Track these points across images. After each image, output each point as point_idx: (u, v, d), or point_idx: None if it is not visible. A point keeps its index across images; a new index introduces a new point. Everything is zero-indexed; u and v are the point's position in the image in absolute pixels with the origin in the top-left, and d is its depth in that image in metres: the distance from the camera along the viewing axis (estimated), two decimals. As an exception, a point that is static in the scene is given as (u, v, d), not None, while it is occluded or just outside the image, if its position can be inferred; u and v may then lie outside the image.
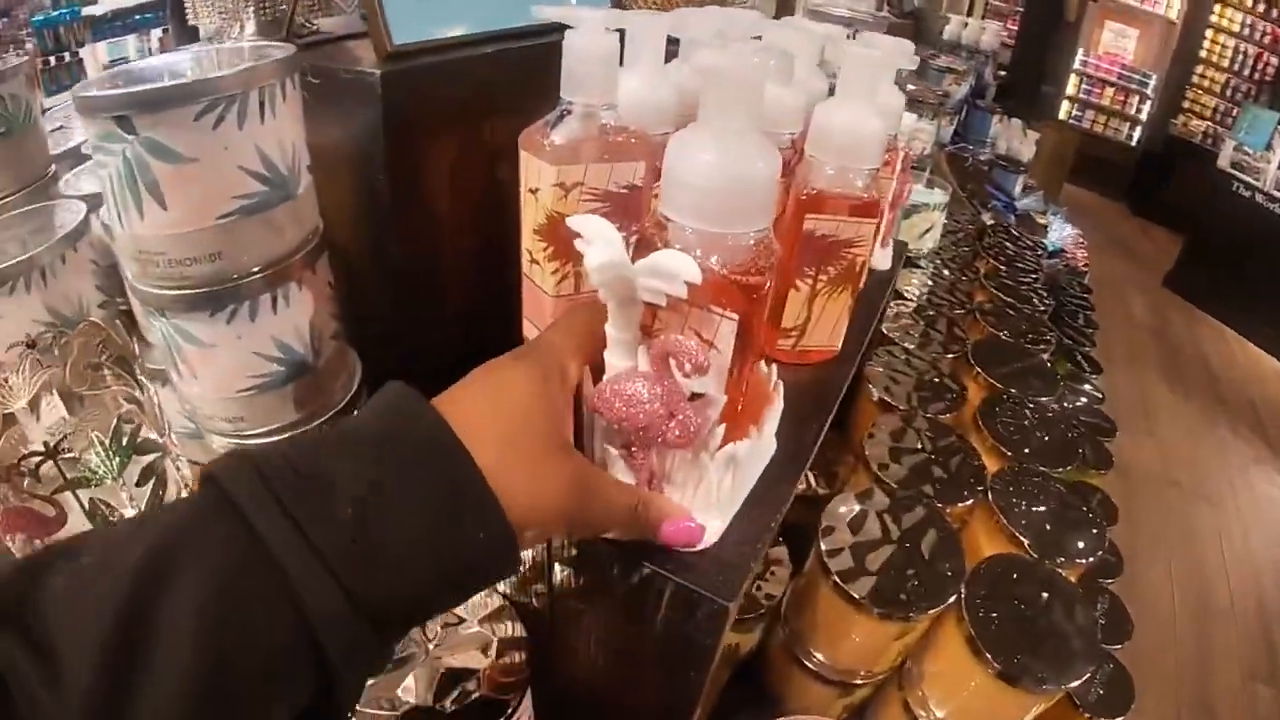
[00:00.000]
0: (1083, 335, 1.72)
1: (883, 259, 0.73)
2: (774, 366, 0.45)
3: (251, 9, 0.61)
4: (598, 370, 0.37)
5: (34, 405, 0.50)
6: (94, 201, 0.69)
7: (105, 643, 0.22)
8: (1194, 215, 4.26)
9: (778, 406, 0.43)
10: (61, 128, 0.98)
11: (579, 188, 0.42)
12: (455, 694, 0.42)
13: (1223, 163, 4.13)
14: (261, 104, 0.42)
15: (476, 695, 0.42)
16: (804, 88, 0.50)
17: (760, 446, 0.41)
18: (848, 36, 0.47)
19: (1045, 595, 0.61)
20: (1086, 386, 1.47)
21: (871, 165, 0.46)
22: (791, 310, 0.50)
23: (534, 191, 0.44)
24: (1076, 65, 5.50)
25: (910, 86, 1.37)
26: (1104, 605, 1.09)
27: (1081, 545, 0.69)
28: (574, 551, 0.40)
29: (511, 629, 0.47)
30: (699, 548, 0.39)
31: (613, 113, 0.43)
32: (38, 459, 0.43)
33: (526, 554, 0.45)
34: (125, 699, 0.22)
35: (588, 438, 0.38)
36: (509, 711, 0.42)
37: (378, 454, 0.27)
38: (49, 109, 1.01)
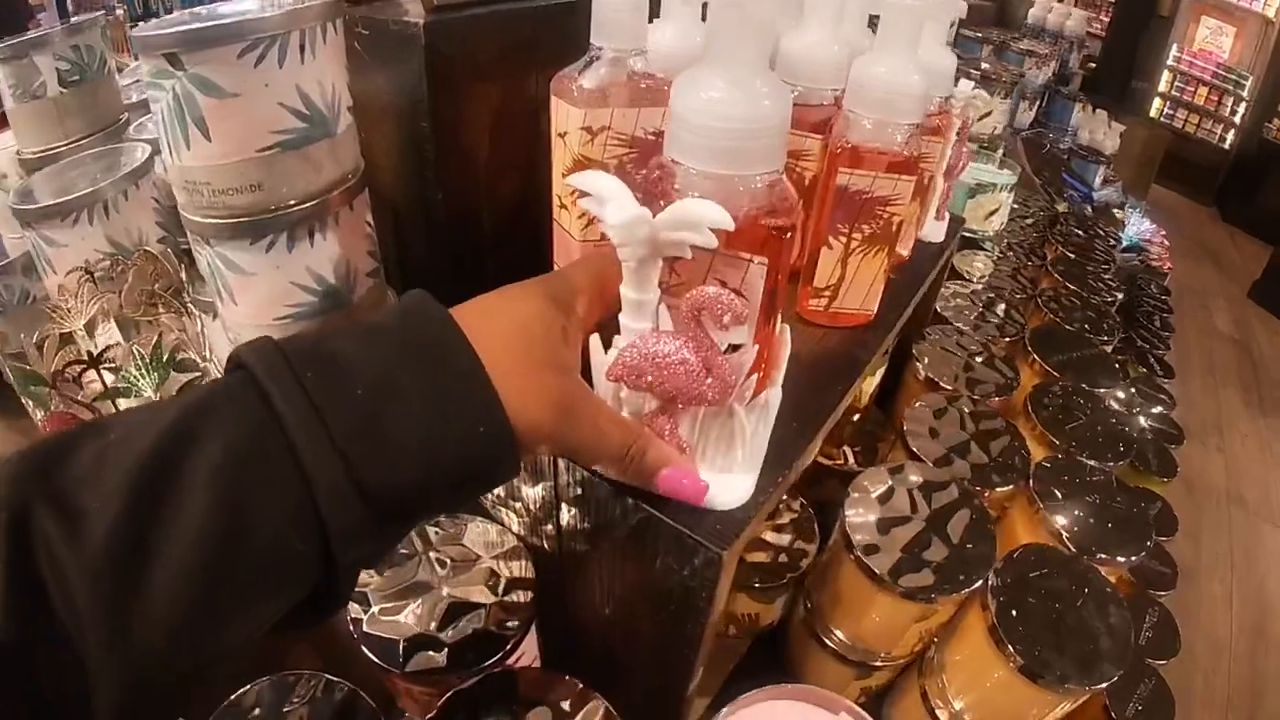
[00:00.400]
0: (1158, 338, 1.65)
1: (935, 231, 0.71)
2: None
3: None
4: (606, 337, 0.36)
5: (90, 328, 0.53)
6: (158, 144, 0.72)
7: (124, 501, 0.23)
8: (1287, 225, 4.01)
9: (785, 354, 0.41)
10: (139, 82, 1.03)
11: (605, 132, 0.42)
12: (458, 625, 0.42)
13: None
14: (302, 45, 0.43)
15: (479, 628, 0.42)
16: (849, 45, 0.49)
17: (777, 396, 0.40)
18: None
19: (1079, 592, 0.58)
20: (1157, 392, 1.41)
21: (910, 120, 0.44)
22: (824, 269, 0.49)
23: (562, 136, 0.44)
24: (1170, 61, 5.21)
25: (984, 65, 1.32)
26: (1153, 618, 1.05)
27: (1125, 545, 0.66)
28: (579, 491, 0.40)
29: (521, 568, 0.47)
30: (723, 507, 0.37)
31: (642, 59, 0.42)
32: (81, 366, 0.45)
33: (536, 492, 0.45)
34: (140, 555, 0.23)
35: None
36: (509, 647, 0.42)
37: (392, 346, 0.28)
38: (133, 66, 1.06)
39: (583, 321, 0.35)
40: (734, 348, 0.35)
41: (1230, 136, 5.09)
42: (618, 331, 0.35)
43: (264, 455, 0.25)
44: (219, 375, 0.58)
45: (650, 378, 0.33)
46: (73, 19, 0.91)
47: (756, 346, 0.36)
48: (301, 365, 0.26)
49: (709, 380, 0.34)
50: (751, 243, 0.32)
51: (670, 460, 0.36)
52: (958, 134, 0.66)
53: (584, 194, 0.32)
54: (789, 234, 0.33)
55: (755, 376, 0.37)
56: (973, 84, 0.71)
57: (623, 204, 0.30)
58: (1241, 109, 5.02)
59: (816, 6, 0.49)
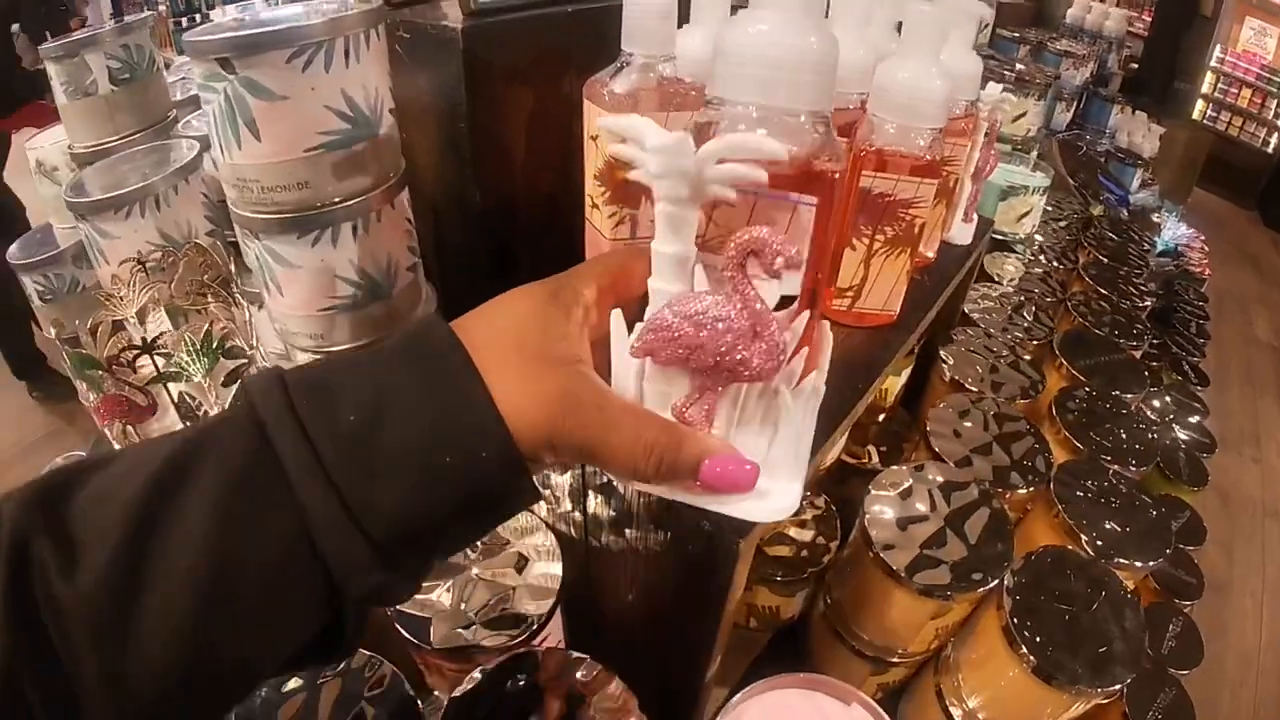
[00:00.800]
0: (1193, 345, 1.62)
1: (962, 233, 0.71)
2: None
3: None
4: (631, 320, 0.32)
5: (141, 316, 0.55)
6: (208, 141, 0.75)
7: (121, 534, 0.23)
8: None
9: (828, 347, 0.37)
10: (184, 79, 1.06)
11: (637, 135, 0.43)
12: (487, 605, 0.44)
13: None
14: (346, 51, 0.46)
15: (507, 609, 0.44)
16: (875, 49, 0.50)
17: (822, 384, 0.35)
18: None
19: (1095, 595, 0.59)
20: (1191, 400, 1.39)
21: (933, 125, 0.45)
22: (847, 269, 0.50)
23: (594, 138, 0.45)
24: (1213, 63, 5.10)
25: (1020, 66, 1.31)
26: (1176, 627, 1.04)
27: (1143, 551, 0.66)
28: (606, 478, 0.42)
29: (549, 553, 0.49)
30: (769, 518, 0.32)
31: (671, 65, 0.44)
32: (134, 352, 0.47)
33: (565, 480, 0.47)
34: (134, 588, 0.22)
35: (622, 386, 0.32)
36: (535, 628, 0.44)
37: (390, 367, 0.27)
38: (178, 63, 1.10)
39: (589, 312, 0.31)
40: (786, 301, 0.32)
41: (1274, 140, 4.97)
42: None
43: (258, 487, 0.24)
44: (265, 363, 0.61)
45: (684, 344, 0.29)
46: (124, 17, 0.95)
47: (806, 316, 0.33)
48: (298, 393, 0.26)
49: (756, 344, 0.29)
50: (799, 183, 0.30)
51: (710, 449, 0.30)
52: (985, 136, 0.67)
53: (619, 141, 0.29)
54: (837, 175, 0.31)
55: (803, 355, 0.33)
56: (1001, 86, 0.71)
57: (661, 132, 0.28)
58: (1286, 112, 4.91)
59: (842, 10, 0.50)
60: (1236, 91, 5.11)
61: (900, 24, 0.51)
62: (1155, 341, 1.46)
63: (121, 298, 0.58)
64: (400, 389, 0.26)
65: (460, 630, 0.45)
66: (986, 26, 1.30)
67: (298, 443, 0.25)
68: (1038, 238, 1.19)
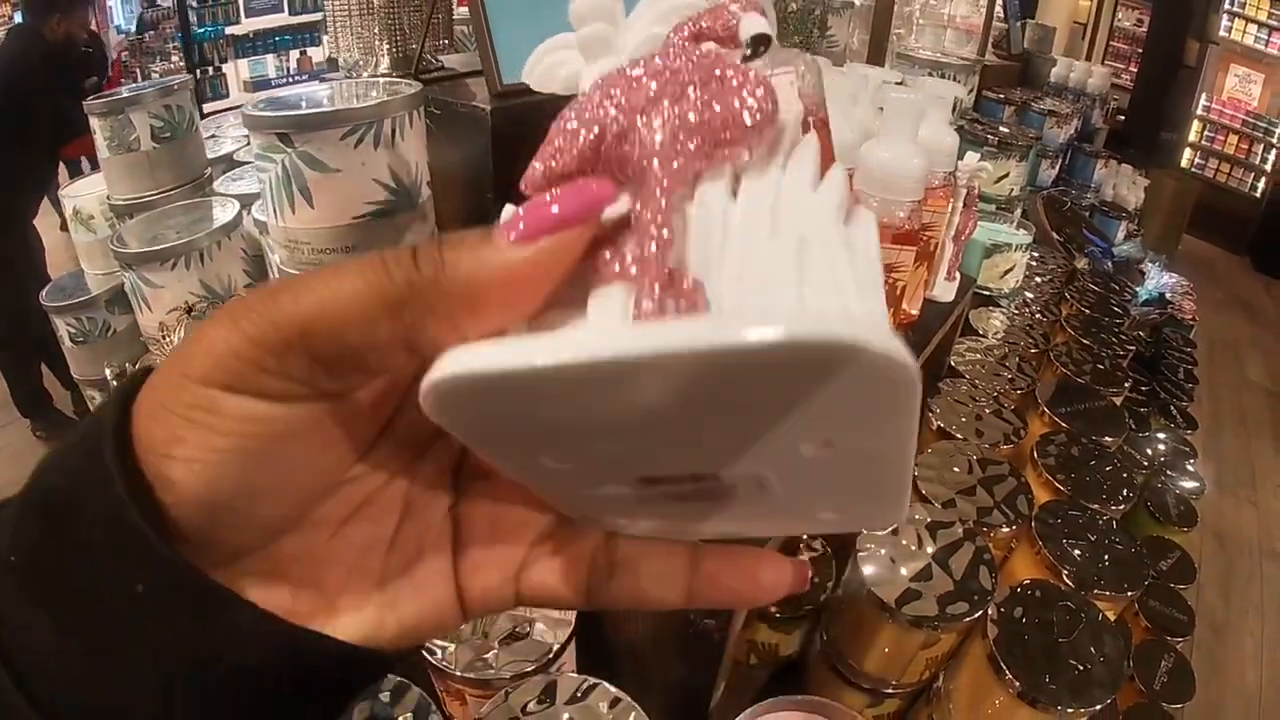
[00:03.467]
0: (1181, 390, 1.66)
1: (945, 290, 0.77)
2: None
3: (386, 46, 0.71)
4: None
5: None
6: (244, 200, 0.81)
7: None
8: (1320, 273, 4.00)
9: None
10: (214, 136, 1.13)
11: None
12: (506, 634, 0.49)
13: (1350, 219, 3.86)
14: (393, 130, 0.52)
15: (525, 637, 0.49)
16: (861, 127, 0.55)
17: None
18: (898, 82, 0.52)
19: (1074, 623, 0.63)
20: (1179, 443, 1.43)
21: (911, 198, 0.51)
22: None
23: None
24: (1199, 111, 5.25)
25: (1002, 129, 1.39)
26: (1169, 663, 1.07)
27: (1121, 583, 0.70)
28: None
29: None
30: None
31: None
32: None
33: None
34: None
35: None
36: (551, 655, 0.48)
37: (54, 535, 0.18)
38: (203, 121, 1.17)
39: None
40: (757, 43, 0.20)
41: (1261, 184, 5.09)
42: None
43: None
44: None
45: (625, 111, 0.18)
46: (157, 77, 1.01)
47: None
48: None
49: (751, 83, 0.18)
50: None
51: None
52: (965, 202, 0.72)
53: None
54: None
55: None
56: (981, 152, 0.77)
57: None
58: (1272, 156, 5.02)
59: (831, 92, 0.56)
60: (1224, 138, 5.24)
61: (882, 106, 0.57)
62: (1144, 388, 1.50)
63: (167, 343, 0.63)
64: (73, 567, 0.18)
65: (483, 657, 0.49)
66: (964, 99, 1.37)
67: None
68: (1027, 294, 1.25)
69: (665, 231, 0.17)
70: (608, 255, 0.17)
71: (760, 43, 0.20)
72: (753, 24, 0.20)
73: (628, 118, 0.18)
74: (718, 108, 0.18)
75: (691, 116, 0.17)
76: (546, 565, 0.23)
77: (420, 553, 0.22)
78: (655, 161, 0.17)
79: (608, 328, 0.16)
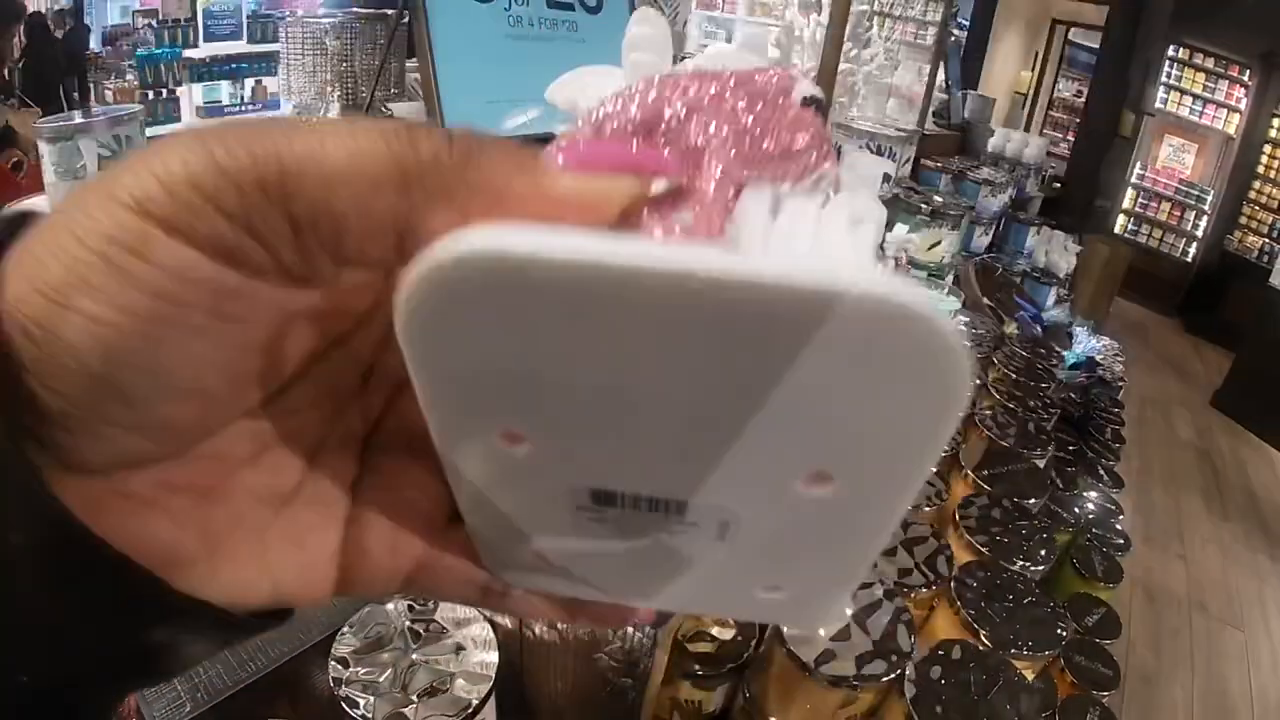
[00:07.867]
0: (1108, 449, 1.73)
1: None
2: None
3: (337, 92, 0.73)
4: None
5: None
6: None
7: None
8: (1245, 334, 4.20)
9: None
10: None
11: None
12: (425, 689, 0.49)
13: (1275, 280, 4.09)
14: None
15: (446, 692, 0.49)
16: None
17: None
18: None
19: (993, 682, 0.65)
20: (1106, 503, 1.49)
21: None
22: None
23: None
24: (1134, 180, 5.54)
25: (937, 198, 1.45)
26: (1093, 716, 1.10)
27: (1039, 643, 0.73)
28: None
29: (485, 642, 0.54)
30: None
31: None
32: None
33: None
34: None
35: None
36: (470, 711, 0.48)
37: None
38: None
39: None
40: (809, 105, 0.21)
41: (1192, 250, 5.36)
42: None
43: None
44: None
45: (689, 104, 0.18)
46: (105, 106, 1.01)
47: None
48: None
49: (808, 117, 0.19)
50: None
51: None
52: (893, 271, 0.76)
53: None
54: None
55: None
56: (913, 221, 0.82)
57: None
58: (1203, 223, 5.31)
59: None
60: (1157, 205, 5.52)
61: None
62: (1072, 448, 1.56)
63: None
64: None
65: (401, 711, 0.49)
66: (896, 173, 1.43)
67: None
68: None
69: (714, 217, 0.17)
70: (650, 222, 0.17)
71: (813, 103, 0.21)
72: (807, 86, 0.21)
73: (690, 108, 0.18)
74: (775, 126, 0.19)
75: (750, 123, 0.18)
76: (440, 560, 0.21)
77: (312, 520, 0.20)
78: (712, 155, 0.18)
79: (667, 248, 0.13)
